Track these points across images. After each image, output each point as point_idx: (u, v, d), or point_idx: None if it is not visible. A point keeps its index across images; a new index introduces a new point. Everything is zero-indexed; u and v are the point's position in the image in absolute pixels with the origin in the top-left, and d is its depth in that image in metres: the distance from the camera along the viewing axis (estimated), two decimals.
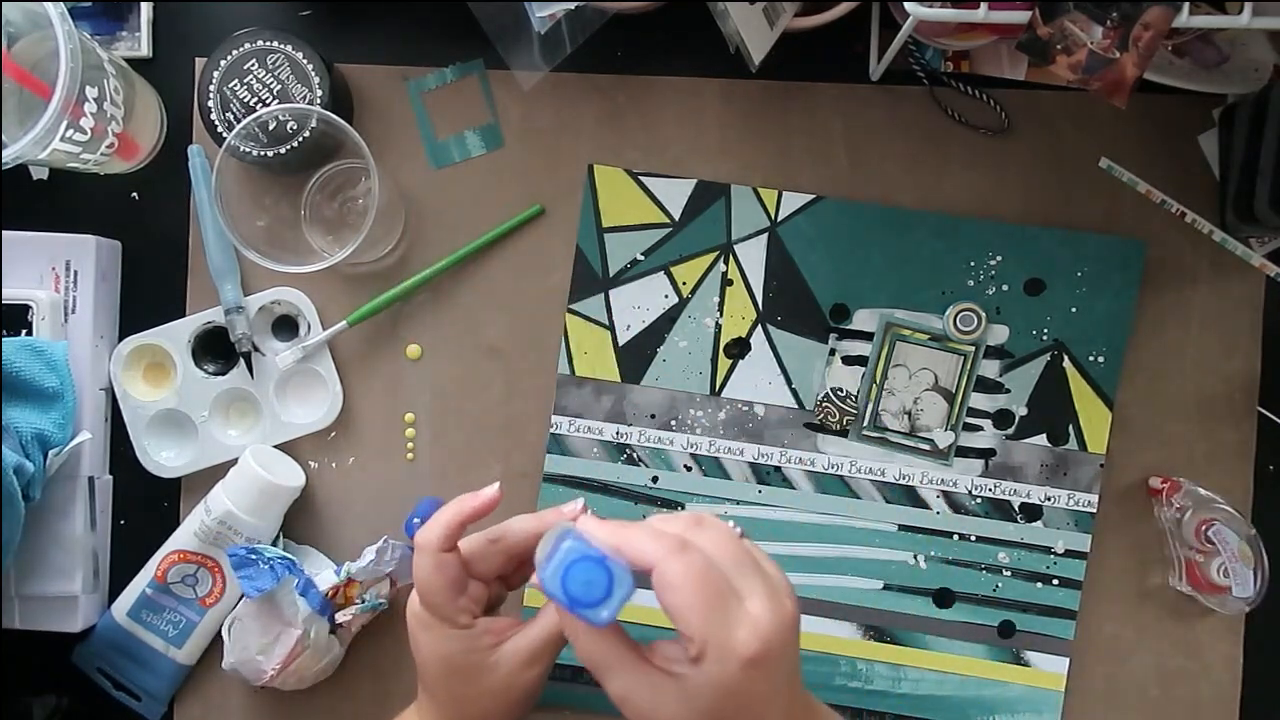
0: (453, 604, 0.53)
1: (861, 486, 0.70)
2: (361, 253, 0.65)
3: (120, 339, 0.70)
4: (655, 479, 0.70)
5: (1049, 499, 0.69)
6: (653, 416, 0.70)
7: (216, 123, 0.66)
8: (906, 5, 0.57)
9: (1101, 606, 0.69)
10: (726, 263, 0.70)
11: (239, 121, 0.65)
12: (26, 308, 0.67)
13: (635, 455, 0.70)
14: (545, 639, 0.53)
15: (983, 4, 0.57)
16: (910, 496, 0.70)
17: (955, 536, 0.70)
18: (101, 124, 0.62)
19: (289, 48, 0.65)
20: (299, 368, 0.70)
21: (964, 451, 0.69)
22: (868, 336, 0.70)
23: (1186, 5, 0.55)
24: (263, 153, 0.65)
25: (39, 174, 0.71)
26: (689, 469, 0.70)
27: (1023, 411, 0.69)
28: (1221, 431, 0.69)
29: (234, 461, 0.68)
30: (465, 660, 0.53)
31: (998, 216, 0.69)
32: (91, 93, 0.60)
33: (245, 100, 0.65)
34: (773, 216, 0.70)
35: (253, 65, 0.65)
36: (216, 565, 0.68)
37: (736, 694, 0.45)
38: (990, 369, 0.69)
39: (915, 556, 0.70)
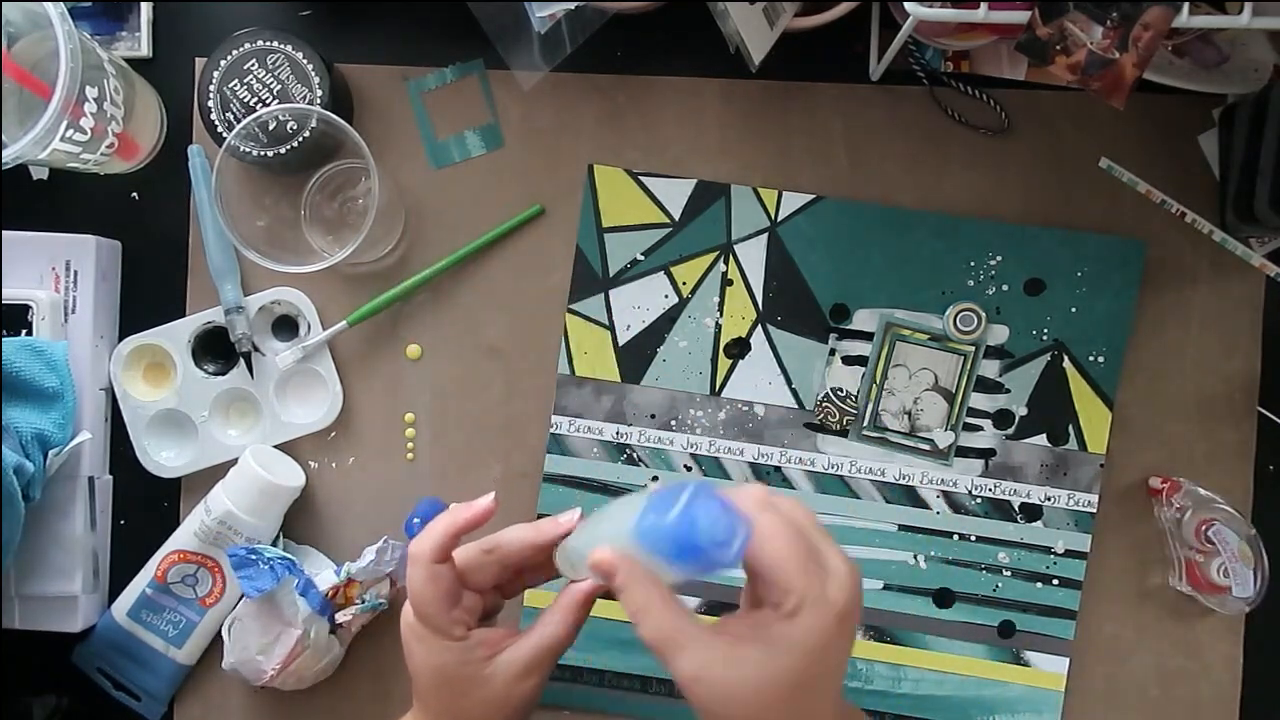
0: (446, 615, 0.53)
1: (861, 486, 0.70)
2: (361, 253, 0.65)
3: (120, 339, 0.70)
4: (655, 479, 0.70)
5: (1049, 499, 0.69)
6: (653, 416, 0.70)
7: (216, 123, 0.66)
8: (906, 5, 0.57)
9: (1101, 606, 0.69)
10: (726, 263, 0.70)
11: (239, 121, 0.65)
12: (26, 308, 0.67)
13: (635, 455, 0.70)
14: (541, 649, 0.53)
15: (983, 4, 0.57)
16: (910, 496, 0.70)
17: (955, 536, 0.70)
18: (101, 124, 0.62)
19: (289, 48, 0.65)
20: (299, 368, 0.70)
21: (964, 451, 0.69)
22: (868, 336, 0.70)
23: (1186, 5, 0.55)
24: (263, 153, 0.65)
25: (39, 174, 0.71)
26: (689, 469, 0.70)
27: (1023, 411, 0.69)
28: (1221, 431, 0.69)
29: (234, 461, 0.68)
30: (460, 672, 0.53)
31: (998, 216, 0.69)
32: (91, 93, 0.60)
33: (245, 100, 0.65)
34: (773, 216, 0.70)
35: (253, 65, 0.65)
36: (216, 565, 0.68)
37: (827, 648, 0.45)
38: (990, 369, 0.69)
39: (915, 556, 0.70)
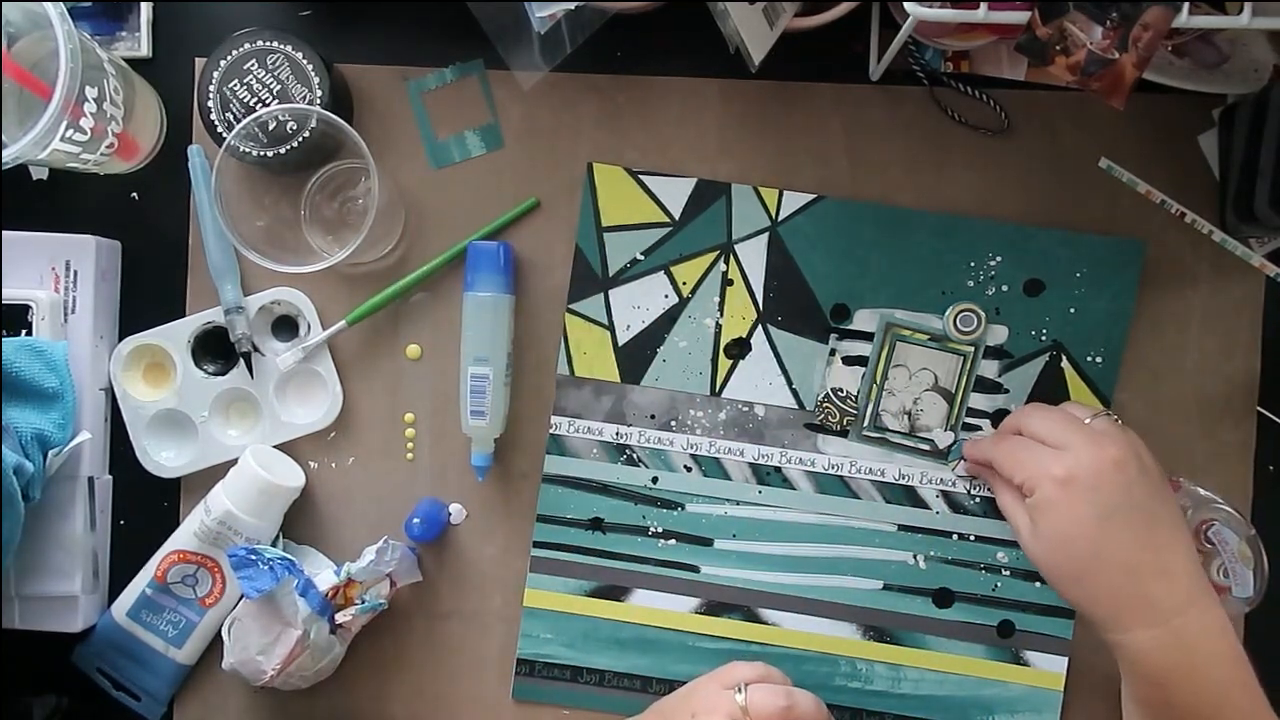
0: None
1: (861, 487, 0.70)
2: (361, 253, 0.65)
3: (120, 339, 0.70)
4: (655, 479, 0.70)
5: None
6: (653, 417, 0.70)
7: (216, 123, 0.66)
8: (906, 5, 0.57)
9: None
10: (727, 262, 0.70)
11: (239, 121, 0.65)
12: (26, 308, 0.67)
13: (635, 456, 0.70)
14: None
15: (982, 4, 0.57)
16: (910, 496, 0.70)
17: (955, 536, 0.70)
18: (101, 124, 0.62)
19: (289, 48, 0.65)
20: (299, 368, 0.70)
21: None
22: (868, 336, 0.70)
23: (1186, 5, 0.55)
24: (263, 153, 0.65)
25: (39, 174, 0.71)
26: (689, 469, 0.70)
27: None
28: (1221, 431, 0.69)
29: (234, 461, 0.68)
30: None
31: (998, 216, 0.69)
32: (91, 93, 0.60)
33: (245, 100, 0.65)
34: (773, 216, 0.70)
35: (253, 65, 0.65)
36: (216, 565, 0.68)
37: (1057, 509, 0.59)
38: (989, 369, 0.69)
39: (915, 556, 0.70)
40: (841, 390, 0.70)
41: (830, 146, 0.70)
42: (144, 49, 0.71)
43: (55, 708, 0.70)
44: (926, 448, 0.70)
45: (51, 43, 0.58)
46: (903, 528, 0.70)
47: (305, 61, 0.65)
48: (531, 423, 0.70)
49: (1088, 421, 0.61)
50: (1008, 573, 0.69)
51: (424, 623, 0.71)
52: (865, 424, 0.70)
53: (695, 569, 0.70)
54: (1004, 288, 0.69)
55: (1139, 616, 0.58)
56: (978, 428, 0.69)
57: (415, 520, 0.69)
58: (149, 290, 0.71)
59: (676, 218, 0.70)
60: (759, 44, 0.62)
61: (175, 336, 0.70)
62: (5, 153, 0.58)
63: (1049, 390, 0.69)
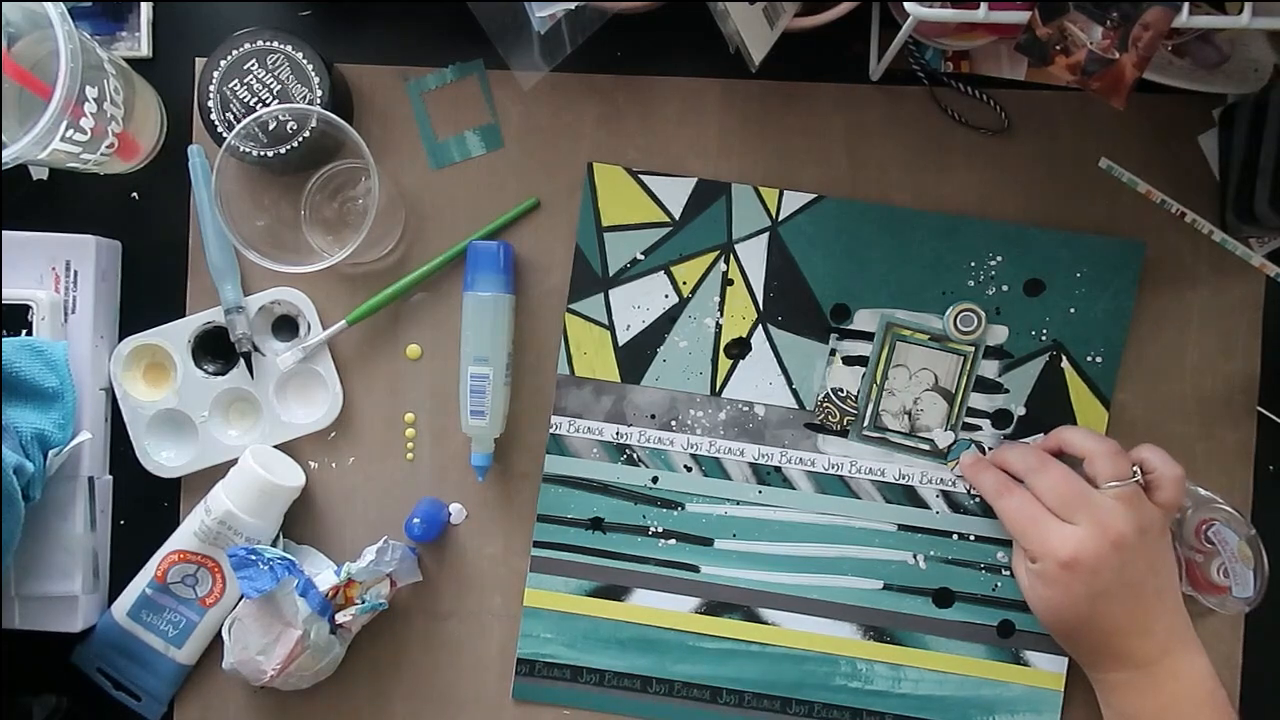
0: None
1: (861, 486, 0.70)
2: (361, 253, 0.65)
3: (120, 339, 0.70)
4: (655, 479, 0.70)
5: None
6: (653, 417, 0.70)
7: (216, 123, 0.66)
8: (906, 5, 0.57)
9: None
10: (727, 262, 0.70)
11: (239, 121, 0.65)
12: (26, 308, 0.67)
13: (635, 455, 0.70)
14: None
15: (983, 4, 0.57)
16: (910, 496, 0.70)
17: (955, 536, 0.70)
18: (101, 124, 0.62)
19: (289, 48, 0.65)
20: (299, 368, 0.70)
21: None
22: (868, 336, 0.70)
23: (1186, 5, 0.55)
24: (263, 153, 0.65)
25: (39, 174, 0.71)
26: (689, 469, 0.70)
27: (1021, 411, 0.69)
28: (1221, 431, 0.69)
29: (234, 461, 0.68)
30: None
31: (998, 216, 0.69)
32: (91, 93, 0.60)
33: (245, 100, 0.65)
34: (773, 216, 0.70)
35: (253, 65, 0.65)
36: (216, 565, 0.68)
37: (1055, 585, 0.62)
38: (989, 369, 0.69)
39: (915, 556, 0.70)
40: (841, 390, 0.70)
41: (830, 146, 0.70)
42: (144, 49, 0.71)
43: (55, 708, 0.70)
44: (926, 448, 0.70)
45: (51, 43, 0.58)
46: (903, 527, 0.70)
47: (305, 61, 0.65)
48: (531, 423, 0.71)
49: (1102, 487, 0.62)
50: (1008, 572, 0.69)
51: (424, 623, 0.71)
52: (865, 424, 0.70)
53: (695, 569, 0.70)
54: (1004, 288, 0.69)
55: (1116, 665, 0.64)
56: (978, 427, 0.69)
57: (415, 520, 0.69)
58: (149, 290, 0.71)
59: (676, 217, 0.70)
60: (759, 44, 0.62)
61: (175, 336, 0.70)
62: (5, 153, 0.58)
63: (1049, 390, 0.69)
